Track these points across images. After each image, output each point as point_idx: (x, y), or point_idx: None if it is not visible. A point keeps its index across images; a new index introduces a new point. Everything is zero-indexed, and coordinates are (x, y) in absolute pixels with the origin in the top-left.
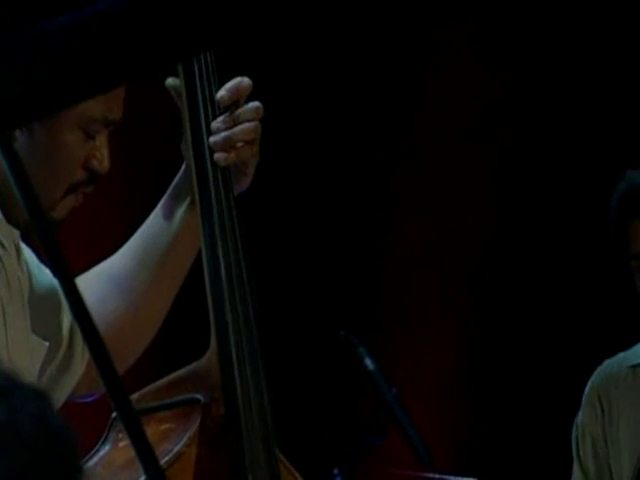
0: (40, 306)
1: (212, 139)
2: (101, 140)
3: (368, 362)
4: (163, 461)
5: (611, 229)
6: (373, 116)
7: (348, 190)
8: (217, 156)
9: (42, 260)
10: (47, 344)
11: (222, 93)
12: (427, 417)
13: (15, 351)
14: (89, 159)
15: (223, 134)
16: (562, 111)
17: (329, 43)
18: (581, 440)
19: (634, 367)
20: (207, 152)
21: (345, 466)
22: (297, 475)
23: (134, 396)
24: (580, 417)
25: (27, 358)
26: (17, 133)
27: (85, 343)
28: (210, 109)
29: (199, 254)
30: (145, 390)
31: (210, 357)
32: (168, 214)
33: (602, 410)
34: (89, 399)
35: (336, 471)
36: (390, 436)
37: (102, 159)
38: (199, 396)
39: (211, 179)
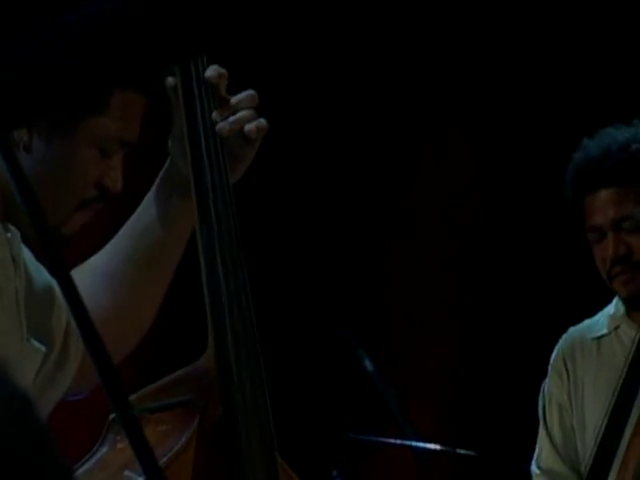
0: (36, 305)
1: (218, 126)
2: (116, 160)
3: (367, 363)
4: (161, 462)
5: (568, 201)
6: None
7: (350, 191)
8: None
9: (39, 259)
10: (44, 350)
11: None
12: (426, 417)
13: (8, 360)
14: (103, 178)
15: (230, 119)
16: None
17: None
18: (548, 407)
19: (599, 338)
20: (203, 143)
21: (344, 467)
22: (295, 477)
23: (132, 397)
24: (547, 385)
25: (20, 367)
26: (34, 145)
27: (84, 343)
28: (206, 102)
29: (195, 253)
30: (143, 391)
31: (208, 358)
32: (156, 208)
33: (568, 377)
34: (80, 396)
35: (335, 473)
36: (389, 436)
37: (116, 179)
38: (197, 397)
39: (207, 169)
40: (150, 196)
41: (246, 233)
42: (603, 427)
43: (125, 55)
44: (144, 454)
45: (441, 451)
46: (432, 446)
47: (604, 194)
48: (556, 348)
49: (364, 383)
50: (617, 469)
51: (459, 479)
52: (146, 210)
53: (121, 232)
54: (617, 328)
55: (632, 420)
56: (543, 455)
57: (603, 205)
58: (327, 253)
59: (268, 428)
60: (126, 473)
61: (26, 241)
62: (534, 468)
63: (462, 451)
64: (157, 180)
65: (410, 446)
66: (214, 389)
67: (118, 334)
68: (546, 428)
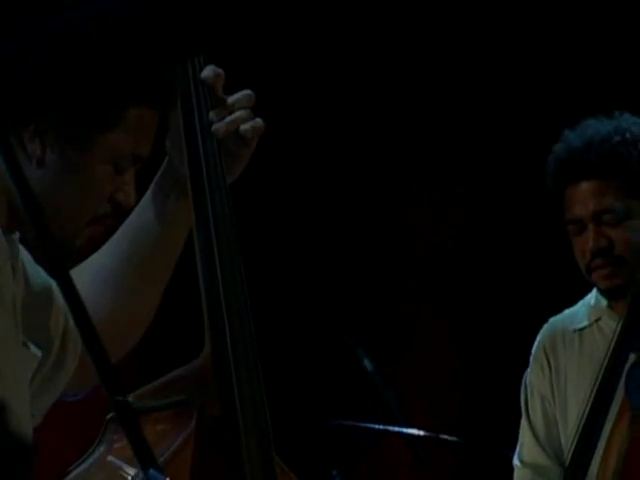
0: (34, 306)
1: (214, 127)
2: (129, 175)
3: (366, 363)
4: (159, 461)
5: (549, 193)
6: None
7: (350, 190)
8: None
9: (37, 260)
10: (40, 355)
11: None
12: (425, 416)
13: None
14: (116, 193)
15: (227, 119)
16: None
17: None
18: (530, 399)
19: (580, 330)
20: (200, 144)
21: (343, 467)
22: (293, 476)
23: (130, 397)
24: (529, 376)
25: (17, 373)
26: (48, 159)
27: (84, 343)
28: (203, 102)
29: (192, 253)
30: (141, 390)
31: (205, 357)
32: (153, 208)
33: (550, 368)
34: (78, 397)
35: (334, 472)
36: (388, 436)
37: (129, 195)
38: (195, 397)
39: (204, 169)
40: (148, 196)
41: (245, 232)
42: (584, 418)
43: (125, 54)
44: (142, 452)
45: (437, 440)
46: (420, 432)
47: (585, 186)
48: (537, 339)
49: (364, 382)
50: (599, 460)
51: (458, 470)
52: (144, 210)
53: (119, 232)
54: (598, 320)
55: (613, 411)
56: (525, 448)
57: (584, 197)
58: (327, 252)
59: (266, 427)
60: (110, 459)
61: (24, 242)
62: (516, 461)
63: (449, 438)
64: (154, 180)
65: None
66: (212, 389)
67: (116, 333)
68: (528, 420)
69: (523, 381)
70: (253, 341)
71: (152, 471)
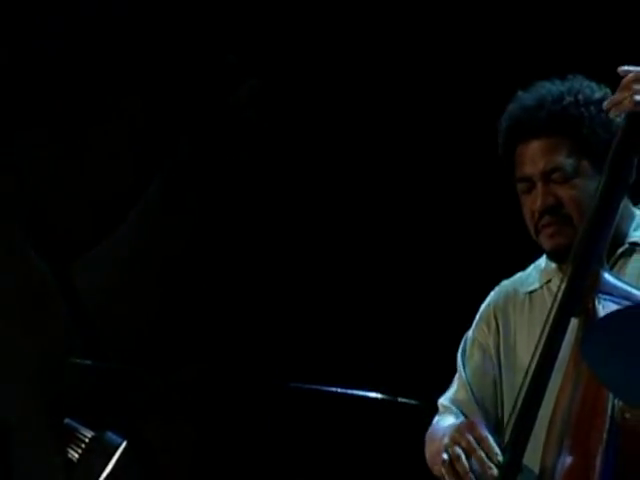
0: None
1: None
2: None
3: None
4: None
5: (500, 151)
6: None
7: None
8: None
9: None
10: None
11: None
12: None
13: None
14: None
15: None
16: None
17: None
18: (469, 349)
19: (531, 293)
20: None
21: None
22: None
23: None
24: (471, 332)
25: None
26: None
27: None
28: None
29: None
30: None
31: None
32: None
33: (497, 328)
34: None
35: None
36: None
37: None
38: None
39: None
40: None
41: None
42: (528, 379)
43: None
44: None
45: (384, 400)
46: (375, 395)
47: (536, 144)
48: (486, 300)
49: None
50: (545, 421)
51: (402, 429)
52: None
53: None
54: (549, 282)
55: (560, 369)
56: (453, 389)
57: (534, 155)
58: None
59: None
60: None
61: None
62: (441, 400)
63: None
64: None
65: (352, 395)
66: None
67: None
68: (465, 374)
69: (464, 337)
70: None
71: (109, 434)
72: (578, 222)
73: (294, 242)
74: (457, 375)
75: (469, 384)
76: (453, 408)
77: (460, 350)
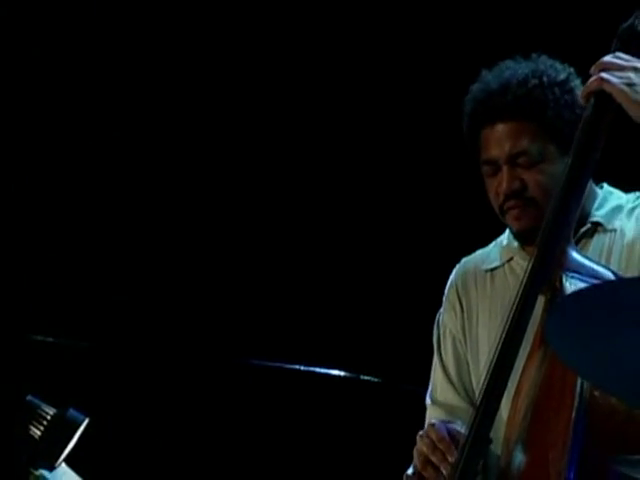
0: None
1: None
2: None
3: None
4: None
5: (465, 134)
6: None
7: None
8: None
9: None
10: None
11: None
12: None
13: None
14: None
15: None
16: None
17: None
18: (443, 339)
19: (492, 270)
20: None
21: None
22: None
23: None
24: (442, 316)
25: None
26: None
27: None
28: None
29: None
30: None
31: None
32: None
33: (462, 309)
34: None
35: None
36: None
37: None
38: None
39: None
40: None
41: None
42: (495, 357)
43: None
44: None
45: (346, 377)
46: (337, 372)
47: (501, 127)
48: (450, 279)
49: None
50: (510, 399)
51: (364, 406)
52: None
53: None
54: (510, 260)
55: (525, 348)
56: (437, 387)
57: (500, 138)
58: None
59: None
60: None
61: None
62: (428, 400)
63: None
64: None
65: (314, 372)
66: None
67: None
68: (440, 359)
69: (436, 320)
70: None
71: (71, 411)
72: (543, 204)
73: (259, 217)
74: (435, 364)
75: (449, 377)
76: (442, 412)
77: (435, 335)
